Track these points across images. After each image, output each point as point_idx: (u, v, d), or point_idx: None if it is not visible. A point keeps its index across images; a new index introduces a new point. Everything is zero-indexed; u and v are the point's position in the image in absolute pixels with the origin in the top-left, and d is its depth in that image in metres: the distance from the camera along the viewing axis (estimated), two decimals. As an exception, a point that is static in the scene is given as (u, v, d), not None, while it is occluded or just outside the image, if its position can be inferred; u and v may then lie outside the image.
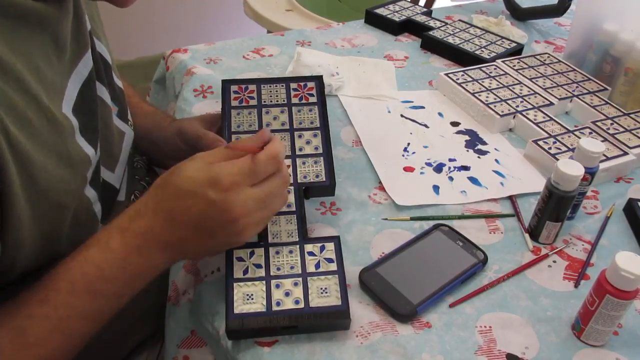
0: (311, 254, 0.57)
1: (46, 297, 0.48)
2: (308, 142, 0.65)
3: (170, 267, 0.65)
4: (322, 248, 0.57)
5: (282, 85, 0.69)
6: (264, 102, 0.67)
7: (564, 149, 0.78)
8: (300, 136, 0.65)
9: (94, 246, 0.49)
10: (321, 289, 0.54)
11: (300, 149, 0.64)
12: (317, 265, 0.56)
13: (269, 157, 0.51)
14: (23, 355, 0.46)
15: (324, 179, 0.62)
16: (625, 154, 0.78)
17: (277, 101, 0.68)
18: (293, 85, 0.69)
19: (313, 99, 0.68)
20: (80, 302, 0.48)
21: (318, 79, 0.70)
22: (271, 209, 0.53)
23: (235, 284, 0.54)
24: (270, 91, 0.68)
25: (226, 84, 0.69)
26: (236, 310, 0.52)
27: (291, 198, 0.61)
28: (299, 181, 0.62)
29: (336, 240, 0.58)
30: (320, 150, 0.64)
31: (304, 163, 0.63)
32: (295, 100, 0.68)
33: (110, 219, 0.57)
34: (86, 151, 0.53)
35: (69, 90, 0.52)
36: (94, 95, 0.57)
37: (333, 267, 0.55)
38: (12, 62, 0.44)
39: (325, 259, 0.56)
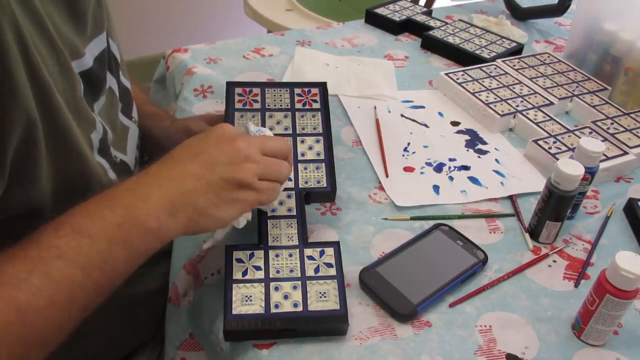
0: (311, 258, 0.57)
1: (29, 239, 0.44)
2: (310, 148, 0.65)
3: (170, 270, 0.66)
4: (322, 253, 0.57)
5: (287, 90, 0.69)
6: (268, 106, 0.68)
7: (564, 148, 0.78)
8: (302, 141, 0.65)
9: (102, 242, 0.45)
10: (320, 293, 0.54)
11: (302, 154, 0.64)
12: (317, 270, 0.56)
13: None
14: None
15: (325, 185, 0.62)
16: (626, 153, 0.78)
17: (281, 106, 0.68)
18: (297, 90, 0.69)
19: (317, 105, 0.68)
20: (64, 242, 0.43)
21: (322, 86, 0.70)
22: (273, 170, 0.53)
23: (234, 285, 0.54)
24: (275, 95, 0.69)
25: (231, 86, 0.69)
26: (234, 312, 0.52)
27: (292, 202, 0.61)
28: (300, 186, 0.62)
29: (336, 245, 0.58)
30: (322, 157, 0.64)
31: (305, 168, 0.63)
32: (298, 106, 0.68)
33: None
34: (90, 112, 0.52)
35: (85, 58, 0.53)
36: (103, 76, 0.58)
37: (332, 271, 0.56)
38: (34, 1, 0.44)
39: (324, 263, 0.56)
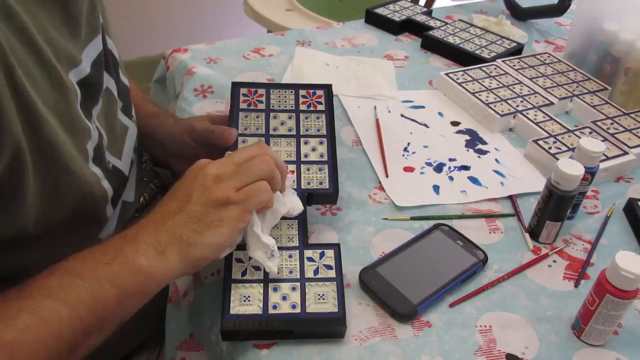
0: (310, 259, 0.57)
1: (25, 281, 0.45)
2: (314, 149, 0.65)
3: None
4: (322, 254, 0.57)
5: (292, 92, 0.69)
6: (272, 106, 0.68)
7: (564, 148, 0.78)
8: (306, 143, 0.65)
9: (91, 281, 0.46)
10: (319, 295, 0.54)
11: (306, 156, 0.64)
12: (316, 271, 0.56)
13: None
14: None
15: (328, 187, 0.62)
16: (626, 153, 0.78)
17: (286, 107, 0.68)
18: (302, 92, 0.69)
19: (321, 107, 0.68)
20: (56, 281, 0.45)
21: (327, 88, 0.70)
22: (249, 172, 0.52)
23: (233, 285, 0.54)
24: (279, 96, 0.69)
25: (236, 86, 0.69)
26: (232, 312, 0.52)
27: None
28: (302, 187, 0.62)
29: (336, 247, 0.58)
30: (325, 158, 0.64)
31: (308, 170, 0.63)
32: (303, 107, 0.68)
33: (117, 204, 0.57)
34: (86, 122, 0.52)
35: (83, 65, 0.53)
36: (100, 79, 0.58)
37: (332, 273, 0.55)
38: (17, 12, 0.44)
39: (324, 265, 0.56)
